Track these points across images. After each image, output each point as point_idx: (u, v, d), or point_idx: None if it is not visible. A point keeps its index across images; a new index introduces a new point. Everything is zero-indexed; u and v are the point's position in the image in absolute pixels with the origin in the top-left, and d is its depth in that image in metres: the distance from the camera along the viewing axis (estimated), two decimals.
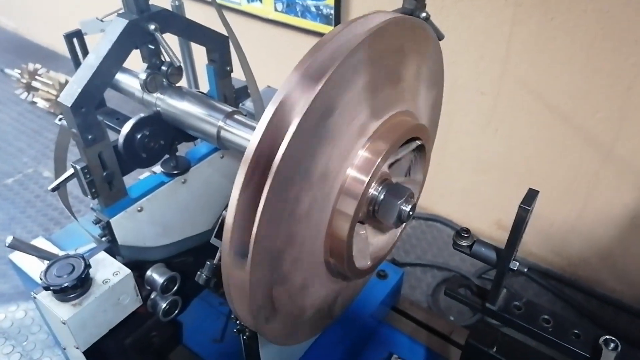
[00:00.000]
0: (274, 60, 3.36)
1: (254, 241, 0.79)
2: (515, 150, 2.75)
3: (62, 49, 5.26)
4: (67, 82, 4.16)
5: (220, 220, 0.99)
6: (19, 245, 1.22)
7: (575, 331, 0.99)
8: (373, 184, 1.02)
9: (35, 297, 1.23)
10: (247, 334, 1.22)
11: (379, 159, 0.95)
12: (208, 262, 1.04)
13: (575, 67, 2.31)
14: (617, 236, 2.67)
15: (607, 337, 0.96)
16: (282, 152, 0.77)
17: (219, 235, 1.00)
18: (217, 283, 1.05)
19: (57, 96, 4.42)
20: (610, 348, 0.94)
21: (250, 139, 1.21)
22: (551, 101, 2.47)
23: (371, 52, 0.89)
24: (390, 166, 1.11)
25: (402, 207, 1.03)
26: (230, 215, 0.80)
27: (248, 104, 1.87)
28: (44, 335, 2.30)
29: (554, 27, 2.28)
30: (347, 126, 0.91)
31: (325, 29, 2.96)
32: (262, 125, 0.80)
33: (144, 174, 1.62)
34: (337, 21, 2.91)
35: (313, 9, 2.94)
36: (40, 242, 1.86)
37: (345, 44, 0.85)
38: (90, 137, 1.23)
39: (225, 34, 1.50)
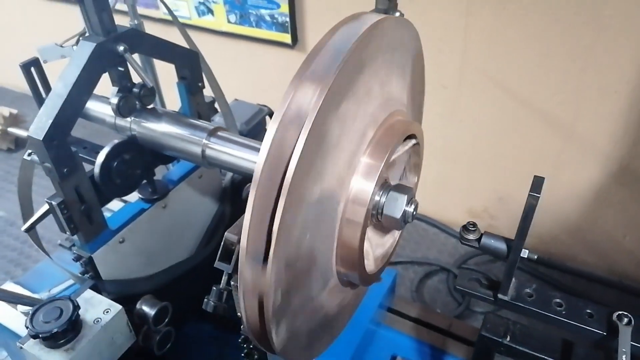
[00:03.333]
0: (233, 72, 3.30)
1: (272, 256, 0.76)
2: (480, 137, 2.82)
3: (1, 81, 5.00)
4: (11, 114, 3.94)
5: (223, 243, 0.95)
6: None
7: (588, 311, 1.01)
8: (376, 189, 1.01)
9: (22, 348, 1.13)
10: (255, 357, 1.18)
11: (382, 164, 0.93)
12: (214, 288, 0.99)
13: (531, 53, 2.38)
14: (584, 211, 2.77)
15: (620, 312, 0.98)
16: (293, 170, 0.74)
17: (224, 259, 0.96)
18: (226, 309, 1.00)
19: (2, 130, 4.15)
20: (624, 323, 0.96)
21: (238, 154, 1.19)
22: (511, 88, 2.54)
23: (368, 53, 0.87)
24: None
25: (406, 208, 1.01)
26: (244, 237, 0.76)
27: (218, 119, 1.81)
28: None
29: (507, 16, 2.34)
30: (349, 134, 0.89)
31: (282, 37, 2.93)
32: (266, 143, 0.76)
33: (115, 204, 1.54)
34: (293, 28, 2.89)
35: (268, 18, 2.91)
36: (10, 287, 1.74)
37: (340, 48, 0.83)
38: (65, 170, 1.15)
39: (189, 47, 1.45)
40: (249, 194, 0.75)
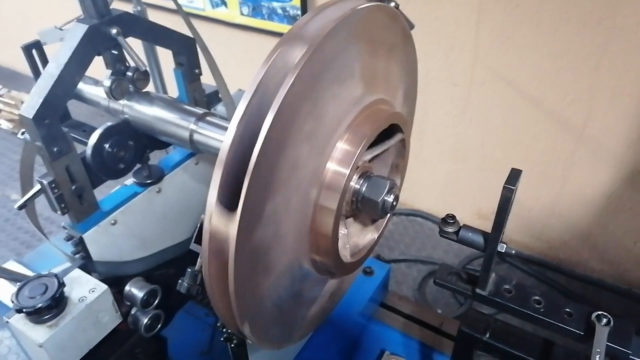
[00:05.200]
0: (244, 64, 3.32)
1: (235, 241, 0.76)
2: (490, 137, 2.77)
3: (22, 68, 5.12)
4: None
5: (198, 226, 0.95)
6: None
7: (567, 310, 0.98)
8: (354, 177, 1.00)
9: (7, 322, 1.16)
10: (234, 341, 1.18)
11: (358, 150, 0.93)
12: (189, 270, 1.00)
13: (542, 52, 2.34)
14: (595, 216, 2.71)
15: (599, 312, 0.95)
16: (258, 150, 0.74)
17: (199, 241, 0.96)
18: (200, 291, 1.01)
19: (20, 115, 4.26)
20: (603, 323, 0.94)
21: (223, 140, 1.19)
22: (522, 87, 2.49)
23: (345, 38, 0.86)
24: (371, 160, 1.09)
25: (385, 198, 1.00)
26: (207, 219, 0.76)
27: (220, 108, 1.82)
28: None
29: (519, 14, 2.30)
30: (323, 118, 0.88)
31: None
32: (234, 122, 0.76)
33: (115, 187, 1.57)
34: None
35: (280, 11, 2.92)
36: (12, 266, 1.78)
37: (317, 30, 0.82)
38: (55, 149, 1.18)
39: (191, 35, 1.46)
40: (213, 176, 0.76)
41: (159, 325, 1.46)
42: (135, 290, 1.42)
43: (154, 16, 2.24)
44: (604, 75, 2.24)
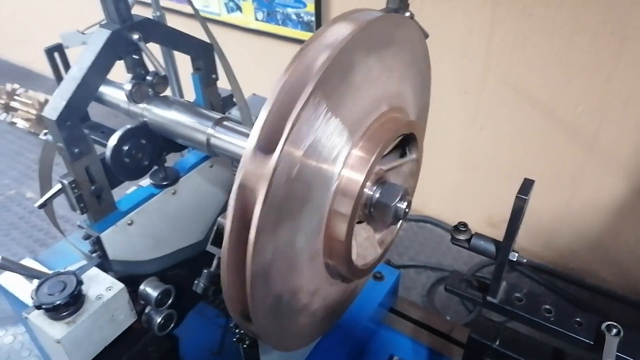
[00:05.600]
0: (258, 68, 3.35)
1: (254, 239, 0.78)
2: (501, 146, 2.78)
3: (39, 67, 5.20)
4: (46, 100, 4.11)
5: (215, 227, 0.98)
6: (8, 265, 1.19)
7: (577, 319, 0.99)
8: (368, 183, 1.02)
9: (26, 318, 1.19)
10: (247, 342, 1.20)
11: (373, 158, 0.95)
12: (205, 270, 1.02)
13: (554, 62, 2.34)
14: (605, 226, 2.70)
15: (609, 322, 0.96)
16: (277, 155, 0.77)
17: (216, 243, 0.99)
18: (215, 291, 1.03)
19: (37, 116, 4.34)
20: (613, 334, 0.94)
21: (241, 144, 1.22)
22: (533, 96, 2.50)
23: (362, 47, 0.89)
24: (387, 171, 1.11)
25: (398, 205, 1.02)
26: (228, 220, 0.79)
27: (234, 112, 1.85)
28: (34, 359, 2.25)
29: (532, 24, 2.31)
30: (340, 124, 0.90)
31: (307, 36, 2.96)
32: (255, 131, 0.79)
33: (130, 189, 1.60)
34: (319, 28, 2.92)
35: (294, 17, 2.95)
36: (28, 263, 1.82)
37: (334, 41, 0.85)
38: (76, 150, 1.21)
39: (209, 41, 1.49)
40: (234, 181, 0.78)
41: (172, 325, 1.49)
42: (150, 289, 1.45)
43: (171, 19, 2.29)
44: (616, 86, 2.25)
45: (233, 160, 1.30)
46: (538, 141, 2.62)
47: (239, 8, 3.16)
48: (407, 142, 1.13)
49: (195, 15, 1.68)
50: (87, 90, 1.18)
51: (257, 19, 3.13)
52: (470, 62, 2.59)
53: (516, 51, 2.43)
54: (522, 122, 2.61)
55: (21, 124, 4.28)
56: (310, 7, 2.86)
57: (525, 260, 0.97)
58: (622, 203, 2.56)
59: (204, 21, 1.59)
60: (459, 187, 3.13)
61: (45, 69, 1.41)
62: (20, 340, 2.32)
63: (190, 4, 1.81)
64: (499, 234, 1.01)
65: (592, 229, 2.75)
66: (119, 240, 1.41)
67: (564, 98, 2.42)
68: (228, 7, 3.21)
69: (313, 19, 2.89)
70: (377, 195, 1.03)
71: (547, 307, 1.02)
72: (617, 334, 0.94)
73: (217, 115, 1.28)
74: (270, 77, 3.52)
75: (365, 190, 1.01)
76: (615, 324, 0.95)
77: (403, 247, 3.18)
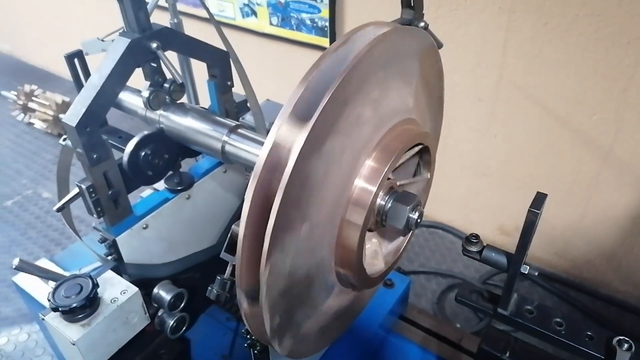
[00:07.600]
0: (271, 73, 3.38)
1: (267, 252, 0.80)
2: (515, 154, 2.77)
3: (58, 69, 5.29)
4: (63, 102, 4.17)
5: (229, 235, 0.99)
6: (25, 267, 1.21)
7: (588, 333, 0.99)
8: (380, 193, 1.03)
9: (43, 319, 1.22)
10: (258, 348, 1.22)
11: (386, 169, 0.96)
12: (219, 277, 1.04)
13: (570, 71, 2.33)
14: (620, 237, 2.67)
15: (621, 337, 0.96)
16: (291, 168, 0.78)
17: (229, 250, 1.00)
18: (228, 298, 1.05)
19: (54, 117, 4.39)
20: (624, 349, 0.94)
21: (255, 152, 1.24)
22: (548, 105, 2.49)
23: (378, 60, 0.90)
24: (394, 170, 1.12)
25: (410, 215, 1.03)
26: (241, 230, 0.80)
27: (248, 118, 1.87)
28: (48, 357, 2.28)
29: (548, 32, 2.30)
30: (354, 136, 0.91)
31: (321, 41, 2.98)
32: (269, 140, 0.80)
33: (145, 192, 1.63)
34: (332, 33, 2.94)
35: (308, 22, 2.97)
36: (44, 264, 1.85)
37: (347, 55, 0.86)
38: (95, 156, 1.23)
39: (225, 49, 1.51)
40: (248, 187, 0.79)
41: (184, 328, 1.51)
42: (163, 292, 1.47)
43: (187, 23, 2.32)
44: (632, 96, 2.23)
45: (246, 167, 1.32)
46: (552, 150, 2.61)
47: (254, 13, 3.19)
48: (420, 157, 1.13)
49: (210, 20, 1.71)
50: (107, 97, 1.21)
51: (271, 24, 3.16)
52: (485, 70, 2.58)
53: (531, 60, 2.42)
54: (536, 130, 2.60)
55: (38, 124, 4.35)
56: (325, 13, 2.88)
57: (537, 273, 0.97)
58: (637, 215, 2.53)
59: (219, 26, 1.61)
60: (472, 194, 3.11)
61: (63, 71, 1.45)
62: (35, 338, 2.36)
63: (206, 8, 1.84)
64: (511, 242, 1.01)
65: (606, 240, 2.73)
66: (134, 244, 1.44)
67: (579, 107, 2.40)
68: (243, 12, 3.24)
69: (327, 24, 2.90)
70: (389, 204, 1.04)
71: (558, 320, 1.01)
72: (629, 349, 0.94)
73: (232, 123, 1.30)
74: (284, 82, 3.55)
75: (378, 200, 1.02)
76: (626, 338, 0.95)
77: (414, 253, 3.18)
